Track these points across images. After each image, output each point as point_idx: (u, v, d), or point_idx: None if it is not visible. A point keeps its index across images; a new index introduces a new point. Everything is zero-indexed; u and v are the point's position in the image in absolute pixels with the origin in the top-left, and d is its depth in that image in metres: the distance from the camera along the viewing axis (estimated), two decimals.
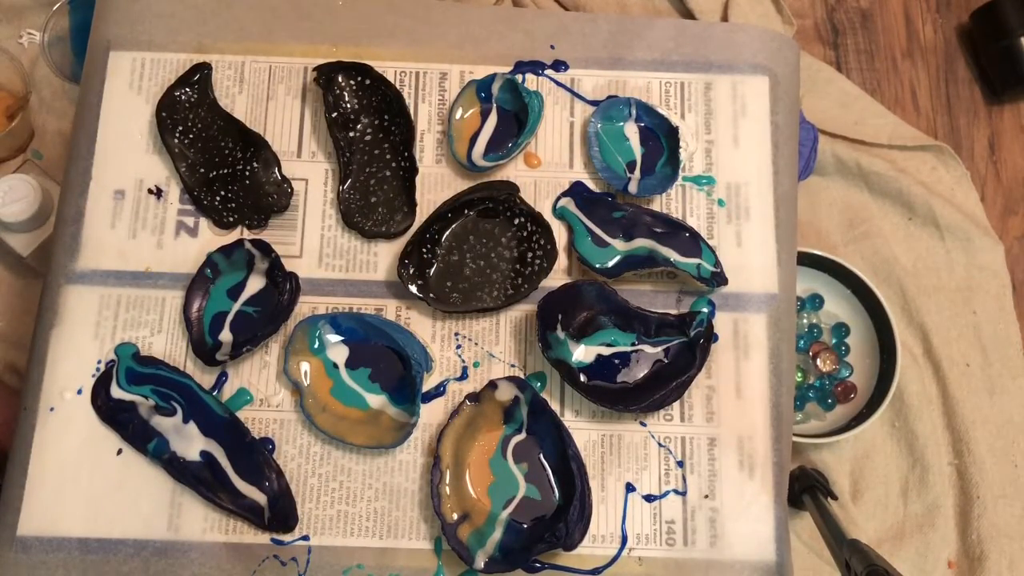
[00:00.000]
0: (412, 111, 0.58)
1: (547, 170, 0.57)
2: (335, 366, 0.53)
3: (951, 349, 0.79)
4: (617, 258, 0.55)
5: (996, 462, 0.76)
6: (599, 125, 0.57)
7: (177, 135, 0.56)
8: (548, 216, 0.56)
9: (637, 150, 0.58)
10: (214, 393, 0.53)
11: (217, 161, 0.56)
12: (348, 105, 0.57)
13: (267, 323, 0.53)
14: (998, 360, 0.79)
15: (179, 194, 0.56)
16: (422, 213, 0.56)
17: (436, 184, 0.57)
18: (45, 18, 0.77)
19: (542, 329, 0.52)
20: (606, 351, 0.54)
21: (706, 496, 0.52)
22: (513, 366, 0.54)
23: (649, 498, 0.52)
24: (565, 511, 0.49)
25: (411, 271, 0.53)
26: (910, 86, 0.88)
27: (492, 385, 0.52)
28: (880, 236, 0.81)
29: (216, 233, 0.56)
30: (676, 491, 0.52)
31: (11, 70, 0.74)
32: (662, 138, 0.58)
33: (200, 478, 0.51)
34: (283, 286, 0.53)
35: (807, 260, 0.76)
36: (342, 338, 0.54)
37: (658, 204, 0.57)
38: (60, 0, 0.77)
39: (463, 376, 0.54)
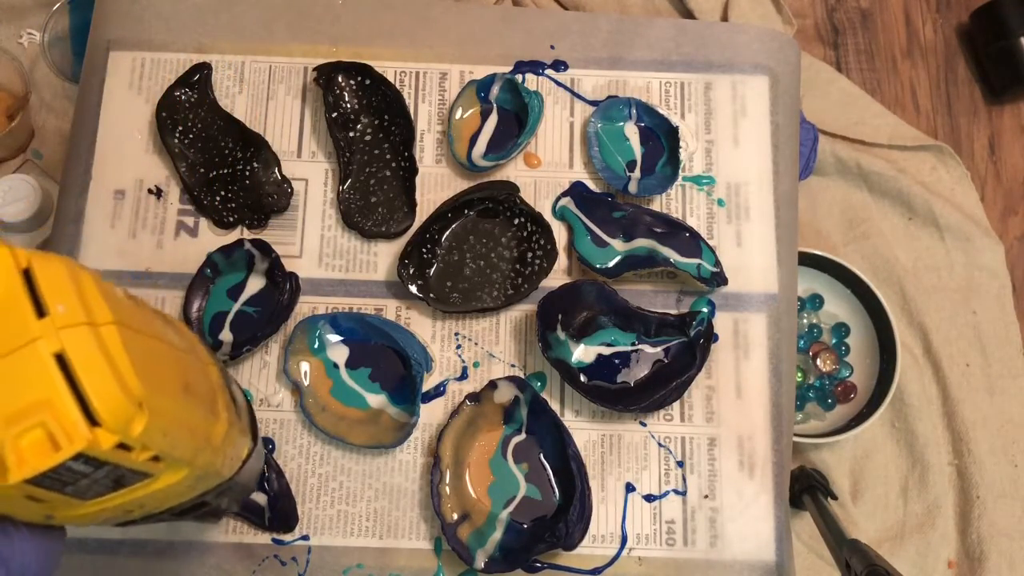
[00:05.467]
0: (412, 111, 0.58)
1: (547, 170, 0.57)
2: (335, 366, 0.53)
3: (951, 349, 0.79)
4: (617, 258, 0.55)
5: (996, 462, 0.76)
6: (599, 125, 0.57)
7: (177, 135, 0.56)
8: (548, 216, 0.56)
9: (637, 150, 0.58)
10: None
11: (217, 161, 0.56)
12: (348, 105, 0.57)
13: (267, 323, 0.53)
14: (998, 360, 0.79)
15: (179, 194, 0.56)
16: (422, 213, 0.56)
17: (436, 184, 0.57)
18: (45, 18, 0.76)
19: (542, 329, 0.52)
20: (606, 351, 0.54)
21: (706, 496, 0.52)
22: (513, 366, 0.54)
23: (649, 498, 0.52)
24: (565, 511, 0.49)
25: (411, 271, 0.53)
26: (910, 86, 0.88)
27: (492, 385, 0.52)
28: (880, 236, 0.81)
29: (216, 233, 0.56)
30: (676, 491, 0.52)
31: (11, 70, 0.74)
32: (662, 138, 0.58)
33: None
34: (283, 286, 0.53)
35: (807, 260, 0.76)
36: (342, 338, 0.54)
37: (658, 204, 0.57)
38: (60, 0, 0.77)
39: (463, 376, 0.54)
